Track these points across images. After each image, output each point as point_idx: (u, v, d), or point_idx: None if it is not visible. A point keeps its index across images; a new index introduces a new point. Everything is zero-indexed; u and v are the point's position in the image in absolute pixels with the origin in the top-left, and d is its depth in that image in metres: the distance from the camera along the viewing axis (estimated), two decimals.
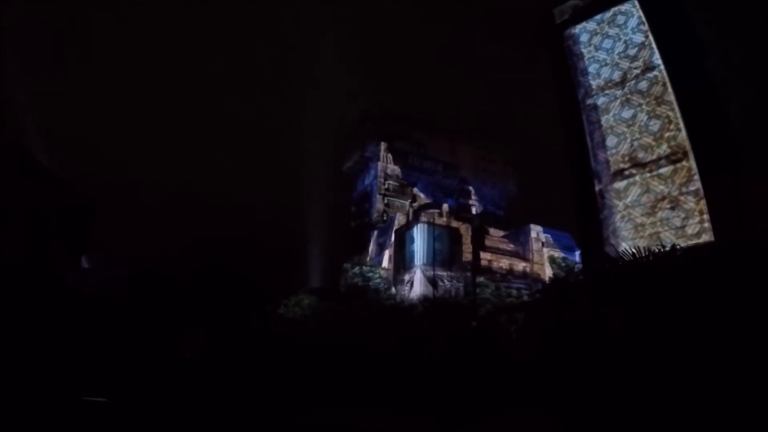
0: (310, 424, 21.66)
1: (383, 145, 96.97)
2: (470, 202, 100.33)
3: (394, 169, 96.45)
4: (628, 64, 37.23)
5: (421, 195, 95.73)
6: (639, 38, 37.05)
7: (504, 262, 73.35)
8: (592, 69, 39.21)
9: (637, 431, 13.41)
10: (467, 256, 69.80)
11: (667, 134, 34.32)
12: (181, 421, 21.04)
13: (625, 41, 37.69)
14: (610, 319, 15.66)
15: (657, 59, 35.66)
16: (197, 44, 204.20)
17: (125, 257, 56.01)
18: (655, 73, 35.74)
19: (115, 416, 21.68)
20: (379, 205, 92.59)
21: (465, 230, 73.64)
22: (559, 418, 15.60)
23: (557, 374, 16.70)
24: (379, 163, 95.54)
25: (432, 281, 66.35)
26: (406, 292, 67.47)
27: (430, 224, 72.74)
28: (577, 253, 68.86)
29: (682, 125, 33.65)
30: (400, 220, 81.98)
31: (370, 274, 71.44)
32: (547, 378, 17.66)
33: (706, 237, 30.61)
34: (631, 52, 37.25)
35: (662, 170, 34.10)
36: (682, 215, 32.29)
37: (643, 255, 20.29)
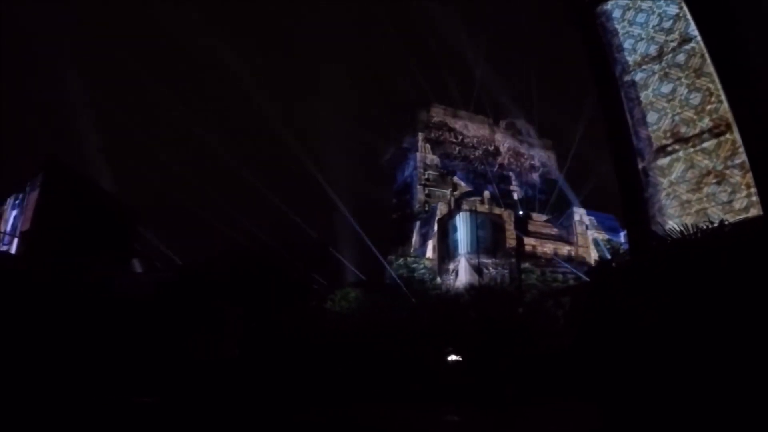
0: (350, 417, 21.68)
1: (420, 136, 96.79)
2: (511, 187, 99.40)
3: (432, 159, 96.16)
4: (663, 37, 36.17)
5: (462, 183, 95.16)
6: (673, 10, 35.96)
7: (548, 247, 72.59)
8: (627, 45, 38.21)
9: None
10: (511, 242, 69.34)
11: (708, 107, 33.22)
12: (225, 419, 21.25)
13: (659, 14, 36.63)
14: (645, 308, 15.15)
15: (693, 30, 34.54)
16: (228, 44, 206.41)
17: (169, 261, 57.01)
18: (692, 44, 34.62)
19: (166, 416, 22.00)
20: (420, 195, 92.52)
21: (507, 216, 73.10)
22: (593, 411, 15.25)
23: (593, 365, 16.31)
24: (418, 154, 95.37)
25: (477, 269, 66.00)
26: (452, 281, 67.41)
27: (472, 212, 72.36)
28: (622, 234, 67.72)
29: (723, 97, 32.55)
30: (441, 209, 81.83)
31: (415, 265, 71.40)
32: (582, 369, 17.28)
33: (755, 211, 29.53)
34: (666, 24, 36.17)
35: (706, 144, 33.00)
36: (729, 189, 31.19)
37: (691, 232, 19.72)
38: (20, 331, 29.02)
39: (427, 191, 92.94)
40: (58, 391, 25.73)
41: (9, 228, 56.63)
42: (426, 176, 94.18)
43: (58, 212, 52.05)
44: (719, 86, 33.38)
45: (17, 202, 57.87)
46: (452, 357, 37.09)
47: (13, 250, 52.93)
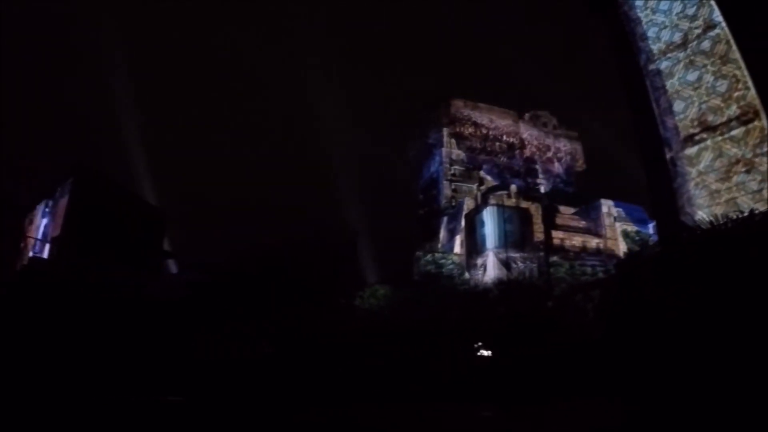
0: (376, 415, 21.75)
1: (446, 131, 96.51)
2: (538, 180, 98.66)
3: (458, 154, 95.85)
4: (688, 24, 35.59)
5: (488, 178, 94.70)
6: None
7: (577, 240, 71.90)
8: (651, 33, 37.67)
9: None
10: (539, 235, 68.82)
11: (735, 94, 32.65)
12: (255, 417, 21.46)
13: (682, 0, 36.08)
14: (675, 299, 14.97)
15: (717, 16, 33.93)
16: (241, 42, 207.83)
17: (198, 263, 57.66)
18: (717, 31, 34.03)
19: (193, 416, 22.24)
20: (446, 191, 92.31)
21: (535, 210, 72.58)
22: (620, 407, 15.12)
23: (621, 359, 16.16)
24: (443, 149, 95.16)
25: (505, 264, 65.78)
26: (480, 276, 67.15)
27: (500, 206, 72.09)
28: (651, 225, 66.90)
29: (750, 83, 31.99)
30: (468, 204, 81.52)
31: (443, 261, 71.29)
32: (611, 362, 17.14)
33: None
34: (690, 11, 35.58)
35: (734, 132, 32.46)
36: (759, 178, 30.68)
37: (721, 222, 19.48)
38: (54, 334, 29.68)
39: (453, 186, 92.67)
40: (88, 390, 26.21)
41: (40, 234, 57.72)
42: (452, 171, 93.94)
43: (88, 217, 52.88)
44: (746, 73, 32.80)
45: (47, 209, 58.96)
46: (482, 352, 37.04)
47: (45, 256, 53.96)
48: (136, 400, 24.61)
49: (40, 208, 60.32)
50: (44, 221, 58.83)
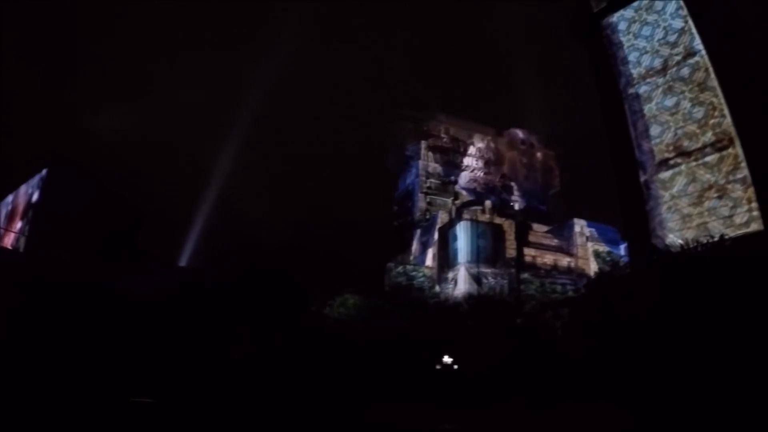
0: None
1: (423, 144, 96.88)
2: (513, 197, 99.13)
3: (435, 167, 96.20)
4: (668, 50, 36.21)
5: (463, 192, 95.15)
6: (678, 23, 36.04)
7: (548, 258, 72.46)
8: (632, 57, 38.26)
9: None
10: (511, 252, 69.13)
11: (711, 121, 33.26)
12: (227, 420, 21.23)
13: (664, 27, 36.69)
14: (644, 317, 15.22)
15: (698, 44, 34.59)
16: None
17: (171, 263, 56.92)
18: (697, 58, 34.68)
19: (164, 417, 21.97)
20: (421, 203, 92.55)
21: (508, 226, 73.00)
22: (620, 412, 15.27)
23: (606, 370, 16.34)
24: (420, 162, 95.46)
25: (476, 278, 66.05)
26: (451, 290, 67.36)
27: (473, 221, 72.49)
28: (622, 246, 67.57)
29: (726, 111, 32.62)
30: (442, 218, 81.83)
31: (414, 273, 71.38)
32: (597, 373, 17.29)
33: (755, 226, 29.59)
34: (671, 38, 36.23)
35: (708, 158, 33.05)
36: (730, 204, 31.26)
37: (691, 246, 19.80)
38: (25, 330, 29.05)
39: (428, 199, 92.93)
40: (62, 391, 25.73)
41: (9, 225, 56.59)
42: (428, 184, 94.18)
43: (62, 210, 52.04)
44: (723, 100, 33.48)
45: (17, 199, 57.78)
46: (449, 364, 37.08)
47: (10, 246, 52.87)
48: (106, 401, 24.22)
49: (9, 199, 59.11)
50: (10, 211, 57.67)
